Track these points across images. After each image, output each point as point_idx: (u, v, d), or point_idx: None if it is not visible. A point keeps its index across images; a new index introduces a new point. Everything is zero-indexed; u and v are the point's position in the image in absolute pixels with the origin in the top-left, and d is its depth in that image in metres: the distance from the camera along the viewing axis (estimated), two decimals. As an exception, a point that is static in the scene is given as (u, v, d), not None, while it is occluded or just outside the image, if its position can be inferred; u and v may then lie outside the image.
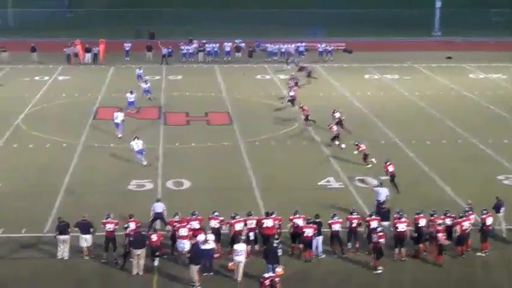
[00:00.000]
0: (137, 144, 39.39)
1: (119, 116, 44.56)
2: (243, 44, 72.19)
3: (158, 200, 31.49)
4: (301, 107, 47.62)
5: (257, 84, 59.37)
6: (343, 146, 42.26)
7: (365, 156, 39.71)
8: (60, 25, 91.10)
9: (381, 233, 28.15)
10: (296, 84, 54.69)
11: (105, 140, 43.54)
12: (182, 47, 71.00)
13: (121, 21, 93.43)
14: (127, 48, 70.70)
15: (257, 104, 52.72)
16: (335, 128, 43.63)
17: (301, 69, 62.47)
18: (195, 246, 27.19)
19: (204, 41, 71.99)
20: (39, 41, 73.07)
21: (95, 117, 49.08)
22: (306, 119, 46.62)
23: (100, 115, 49.52)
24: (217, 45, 71.15)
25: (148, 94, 53.27)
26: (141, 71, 58.93)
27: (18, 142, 43.08)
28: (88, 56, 68.89)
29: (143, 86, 53.83)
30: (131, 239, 27.64)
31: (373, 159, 39.37)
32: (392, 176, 35.85)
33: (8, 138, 44.03)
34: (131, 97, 49.75)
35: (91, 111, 50.39)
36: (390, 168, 35.94)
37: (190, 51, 70.83)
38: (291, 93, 51.83)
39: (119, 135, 43.73)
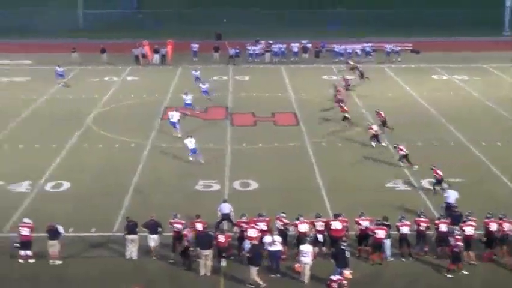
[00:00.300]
0: (191, 143, 39.79)
1: (174, 115, 45.07)
2: (309, 45, 71.94)
3: (225, 201, 31.54)
4: (377, 112, 46.82)
5: (324, 85, 59.09)
6: (375, 145, 42.20)
7: (406, 158, 39.15)
8: (129, 26, 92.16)
9: (458, 237, 27.68)
10: (348, 86, 54.28)
11: (173, 141, 43.83)
12: (249, 48, 71.13)
13: (189, 22, 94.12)
14: (195, 49, 71.15)
15: (324, 105, 52.40)
16: (375, 127, 43.36)
17: (352, 69, 62.14)
18: (254, 247, 27.12)
19: (271, 42, 71.99)
20: (108, 42, 74.12)
21: (162, 117, 49.46)
22: (384, 124, 45.47)
23: (167, 115, 49.86)
24: (284, 45, 71.08)
25: (206, 94, 53.55)
26: (197, 73, 59.22)
27: (88, 142, 43.69)
28: (156, 56, 69.55)
29: (202, 86, 54.17)
30: (190, 239, 27.88)
31: (416, 166, 38.75)
32: (440, 181, 35.35)
33: (78, 138, 44.68)
34: (187, 98, 50.12)
35: (159, 112, 50.82)
36: (440, 172, 35.48)
37: (257, 51, 70.93)
38: (339, 96, 51.40)
39: (179, 135, 43.98)
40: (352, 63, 64.10)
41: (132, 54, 69.27)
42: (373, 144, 42.48)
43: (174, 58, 69.49)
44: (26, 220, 29.15)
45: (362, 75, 60.11)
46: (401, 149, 39.40)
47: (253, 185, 36.63)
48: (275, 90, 57.68)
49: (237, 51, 69.64)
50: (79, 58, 69.43)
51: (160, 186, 36.46)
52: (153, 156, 41.09)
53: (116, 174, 38.21)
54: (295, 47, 71.19)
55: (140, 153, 41.49)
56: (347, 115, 46.97)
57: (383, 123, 45.49)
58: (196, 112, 49.58)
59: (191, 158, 39.80)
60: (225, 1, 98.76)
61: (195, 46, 71.33)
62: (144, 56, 69.42)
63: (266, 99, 54.70)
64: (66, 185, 36.46)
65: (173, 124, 44.81)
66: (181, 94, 53.37)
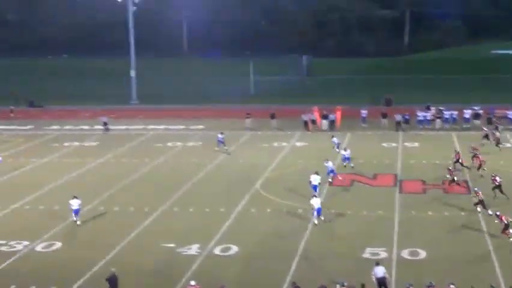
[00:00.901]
0: (316, 203, 40.51)
1: (316, 179, 45.53)
2: (481, 111, 70.16)
3: (377, 264, 30.96)
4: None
5: (503, 153, 57.07)
6: (490, 212, 40.78)
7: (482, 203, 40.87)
8: (299, 92, 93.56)
9: None
10: (474, 155, 52.66)
11: (342, 206, 43.63)
12: (419, 114, 70.27)
13: (359, 87, 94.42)
14: (364, 115, 71.10)
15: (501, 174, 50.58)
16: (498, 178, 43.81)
17: (486, 136, 60.09)
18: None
19: (442, 108, 70.82)
20: (278, 108, 75.41)
21: (331, 183, 49.41)
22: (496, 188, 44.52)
23: (335, 181, 49.78)
24: (456, 112, 69.71)
25: (347, 161, 53.38)
26: (222, 136, 59.95)
27: (257, 206, 44.22)
28: (325, 122, 70.00)
29: (343, 153, 54.06)
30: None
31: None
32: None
33: (246, 202, 45.35)
34: (329, 166, 49.75)
35: (328, 177, 50.85)
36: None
37: (428, 117, 69.92)
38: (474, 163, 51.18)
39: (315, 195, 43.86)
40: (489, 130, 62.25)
41: (301, 119, 70.08)
42: (478, 209, 41.77)
43: (342, 124, 69.69)
44: (192, 283, 29.68)
45: (498, 143, 58.53)
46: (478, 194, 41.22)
47: (422, 254, 35.69)
48: (446, 157, 56.35)
49: (406, 117, 68.95)
50: (251, 123, 71.05)
51: (327, 251, 36.23)
52: (321, 222, 40.94)
53: (284, 238, 38.34)
54: (467, 113, 69.65)
55: (307, 218, 41.49)
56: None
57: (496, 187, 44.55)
58: (339, 179, 49.42)
59: (315, 221, 39.82)
60: (395, 67, 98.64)
61: (364, 112, 71.28)
62: (313, 121, 70.05)
63: (436, 167, 53.53)
64: (234, 248, 36.96)
65: (314, 188, 45.10)
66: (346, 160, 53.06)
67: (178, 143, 64.23)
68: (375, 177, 50.85)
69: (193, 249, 36.98)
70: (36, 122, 79.34)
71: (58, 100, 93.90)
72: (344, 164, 53.67)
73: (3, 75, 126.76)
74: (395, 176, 51.26)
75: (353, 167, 53.42)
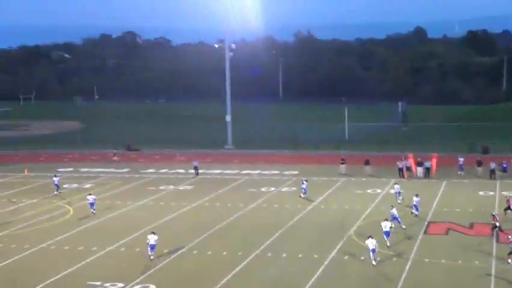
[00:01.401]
0: (372, 244, 40.91)
1: (387, 225, 45.15)
2: None
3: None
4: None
5: None
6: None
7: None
8: (394, 138, 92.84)
9: None
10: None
11: (436, 255, 42.83)
12: (517, 163, 68.86)
13: (455, 135, 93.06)
14: (461, 163, 69.99)
15: None
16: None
17: None
18: None
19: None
20: (372, 154, 74.97)
21: (425, 231, 48.60)
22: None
23: (430, 229, 48.94)
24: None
25: (416, 209, 52.90)
26: (304, 185, 59.96)
27: (349, 254, 43.82)
28: (420, 169, 69.13)
29: (415, 199, 53.38)
30: None
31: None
32: None
33: (339, 249, 45.00)
34: (393, 213, 49.21)
35: (422, 226, 50.03)
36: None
37: (526, 167, 68.36)
38: None
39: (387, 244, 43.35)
40: None
41: (396, 166, 69.42)
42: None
43: (438, 171, 68.68)
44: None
45: None
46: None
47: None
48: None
49: (504, 165, 67.51)
50: (345, 169, 70.87)
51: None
52: (416, 271, 40.20)
53: (378, 287, 37.82)
54: None
55: (402, 266, 40.81)
56: None
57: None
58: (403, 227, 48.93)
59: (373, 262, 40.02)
60: (492, 114, 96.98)
61: (461, 159, 70.16)
62: (408, 168, 69.29)
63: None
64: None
65: (386, 234, 44.83)
66: (444, 208, 52.16)
67: (272, 188, 64.43)
68: (471, 226, 49.77)
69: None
70: (133, 165, 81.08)
71: (154, 144, 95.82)
72: (414, 212, 52.97)
73: (100, 118, 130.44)
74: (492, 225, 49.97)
75: (416, 215, 52.74)
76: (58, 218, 55.12)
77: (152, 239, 42.64)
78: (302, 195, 60.15)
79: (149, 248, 42.63)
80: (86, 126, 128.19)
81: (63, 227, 52.21)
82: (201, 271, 41.06)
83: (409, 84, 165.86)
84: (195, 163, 73.80)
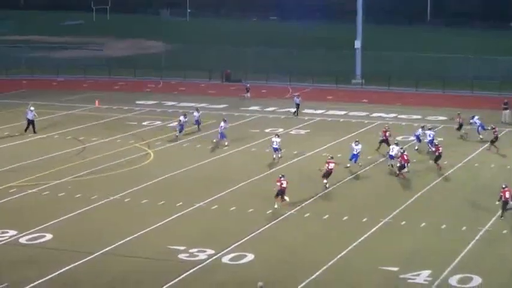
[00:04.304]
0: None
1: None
2: None
3: None
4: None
5: None
6: None
7: None
8: None
9: None
10: None
11: None
12: None
13: None
14: None
15: None
16: None
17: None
18: None
19: None
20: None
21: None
22: None
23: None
24: None
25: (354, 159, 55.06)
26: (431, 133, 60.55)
27: (510, 227, 43.23)
28: None
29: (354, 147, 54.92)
30: None
31: None
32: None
33: (496, 220, 44.38)
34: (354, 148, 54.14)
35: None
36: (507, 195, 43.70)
37: None
38: None
39: None
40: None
41: None
42: None
43: None
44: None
45: None
46: None
47: None
48: None
49: None
50: (510, 117, 69.76)
51: None
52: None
53: None
54: None
55: None
56: None
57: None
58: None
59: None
60: None
61: None
62: None
63: None
64: (476, 279, 36.27)
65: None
66: None
67: (411, 138, 63.50)
68: None
69: (422, 276, 36.74)
70: (232, 100, 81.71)
71: (261, 74, 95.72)
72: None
73: (193, 38, 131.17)
74: None
75: (360, 165, 54.40)
76: (135, 164, 56.33)
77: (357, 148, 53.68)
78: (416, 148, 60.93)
79: (352, 158, 53.82)
80: (174, 47, 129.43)
81: (141, 175, 53.34)
82: (320, 239, 41.35)
83: None
84: (297, 100, 73.66)
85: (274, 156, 57.10)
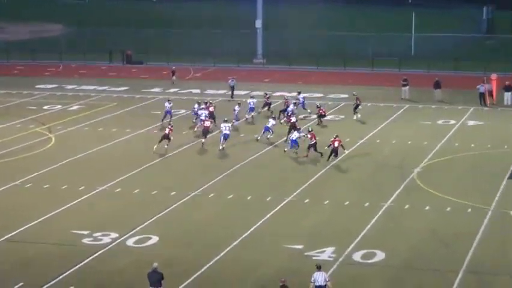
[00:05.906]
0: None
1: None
2: None
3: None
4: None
5: None
6: None
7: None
8: (475, 55, 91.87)
9: None
10: None
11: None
12: None
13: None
14: None
15: None
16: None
17: None
18: None
19: None
20: (445, 75, 74.40)
21: (510, 176, 48.49)
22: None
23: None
24: None
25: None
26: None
27: (411, 202, 43.84)
28: (508, 95, 68.51)
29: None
30: None
31: None
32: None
33: (398, 195, 45.06)
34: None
35: (507, 169, 49.93)
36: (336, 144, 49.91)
37: None
38: None
39: None
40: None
41: (476, 91, 68.93)
42: None
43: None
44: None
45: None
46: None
47: None
48: None
49: None
50: (409, 93, 70.63)
51: (503, 265, 35.74)
52: (497, 227, 40.30)
53: (446, 245, 38.01)
54: None
55: (479, 221, 40.85)
56: None
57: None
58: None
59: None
60: None
61: None
62: (491, 94, 68.70)
63: None
64: (379, 255, 36.81)
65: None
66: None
67: (314, 116, 63.95)
68: None
69: (327, 253, 37.10)
70: (133, 82, 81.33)
71: (161, 55, 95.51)
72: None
73: (92, 21, 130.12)
74: None
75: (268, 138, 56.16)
76: (35, 149, 55.67)
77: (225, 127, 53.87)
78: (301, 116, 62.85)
79: (221, 138, 53.67)
80: (72, 30, 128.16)
81: (42, 160, 52.80)
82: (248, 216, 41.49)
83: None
84: (232, 82, 73.43)
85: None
